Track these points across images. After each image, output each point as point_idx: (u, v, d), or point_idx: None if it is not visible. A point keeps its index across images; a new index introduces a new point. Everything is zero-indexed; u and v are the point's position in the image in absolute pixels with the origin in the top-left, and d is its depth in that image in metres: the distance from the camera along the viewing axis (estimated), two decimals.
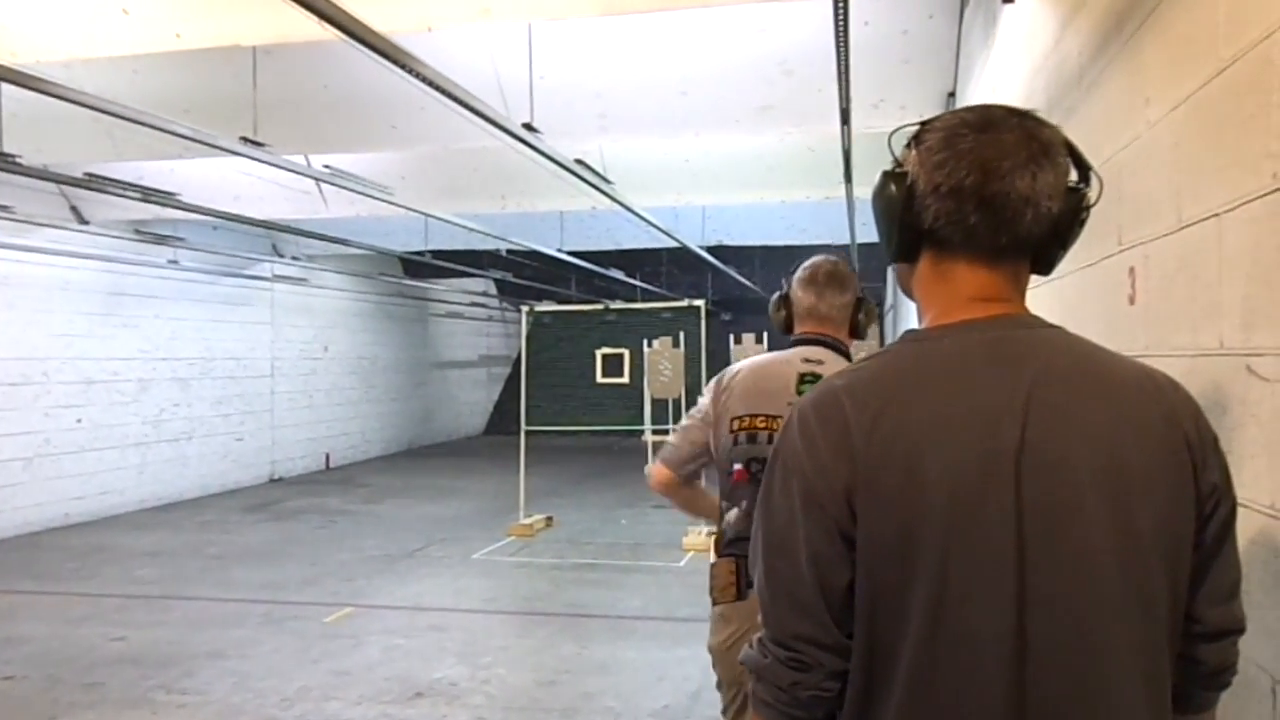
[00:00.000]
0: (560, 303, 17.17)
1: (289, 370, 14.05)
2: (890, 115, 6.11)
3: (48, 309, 9.81)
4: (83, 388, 10.22)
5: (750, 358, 2.51)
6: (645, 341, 13.09)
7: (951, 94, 5.82)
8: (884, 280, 17.53)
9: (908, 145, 1.17)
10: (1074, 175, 1.12)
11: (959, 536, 1.02)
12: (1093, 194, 1.14)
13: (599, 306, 11.26)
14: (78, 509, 10.01)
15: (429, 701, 4.75)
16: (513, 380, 11.27)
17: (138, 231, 10.30)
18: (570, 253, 11.94)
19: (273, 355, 13.64)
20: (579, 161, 6.42)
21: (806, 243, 12.47)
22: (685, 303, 10.20)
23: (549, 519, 9.75)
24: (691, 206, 10.54)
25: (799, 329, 2.50)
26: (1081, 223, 1.15)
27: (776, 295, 2.55)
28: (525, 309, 10.52)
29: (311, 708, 4.67)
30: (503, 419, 20.65)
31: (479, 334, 21.61)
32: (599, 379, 9.81)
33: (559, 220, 11.35)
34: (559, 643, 5.75)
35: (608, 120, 6.42)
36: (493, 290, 20.52)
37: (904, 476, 1.04)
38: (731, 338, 14.95)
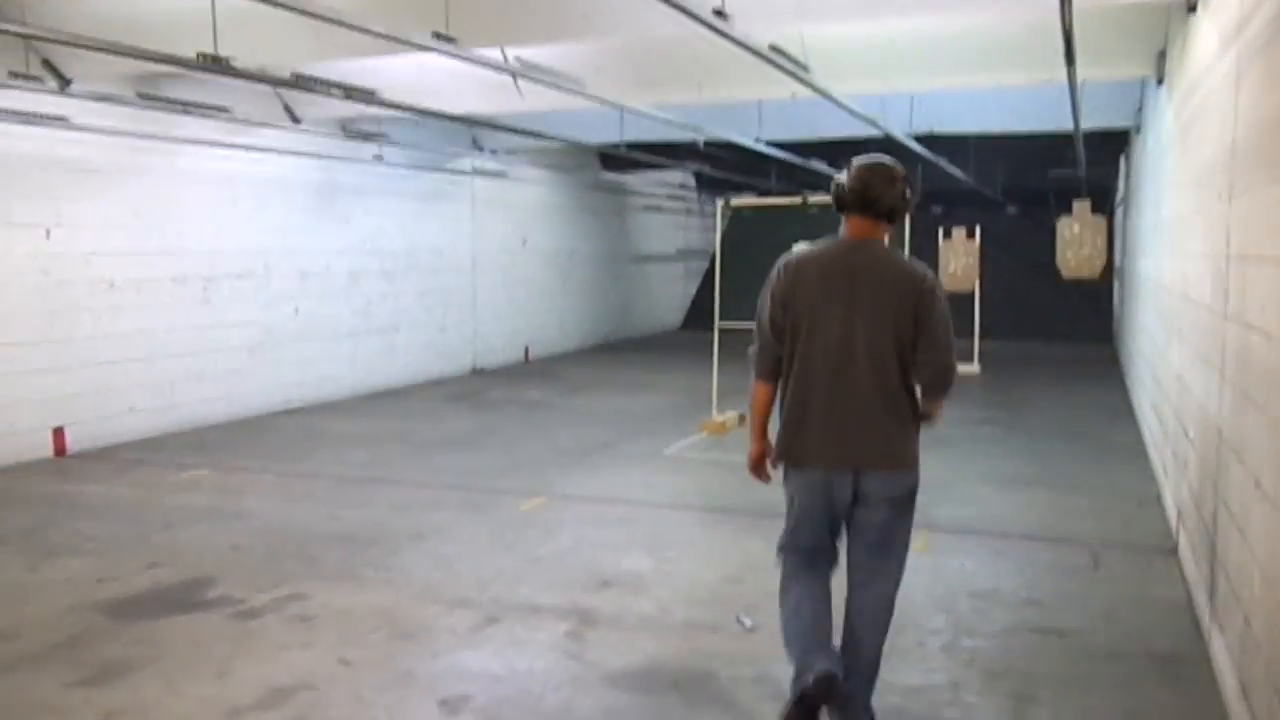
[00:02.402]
0: (760, 195, 16.92)
1: (489, 264, 14.56)
2: None
3: (266, 205, 10.51)
4: (298, 280, 10.95)
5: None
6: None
7: None
8: (1115, 168, 16.39)
9: (842, 171, 3.28)
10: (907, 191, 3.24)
11: (822, 308, 3.19)
12: (912, 199, 3.25)
13: (797, 200, 11.01)
14: (297, 395, 10.84)
15: (615, 591, 4.96)
16: (711, 275, 11.34)
17: (344, 129, 10.80)
18: (769, 143, 11.71)
19: (473, 249, 14.16)
20: (774, 48, 6.25)
21: (1026, 129, 11.75)
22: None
23: (741, 416, 9.78)
24: (899, 93, 10.10)
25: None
26: (906, 208, 3.27)
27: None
28: (720, 202, 10.41)
29: (504, 591, 4.96)
30: (700, 314, 20.78)
31: (677, 228, 21.68)
32: None
33: (757, 110, 11.12)
34: (745, 540, 5.85)
35: (806, 2, 6.19)
36: (691, 183, 20.45)
37: (803, 284, 3.21)
38: (941, 231, 14.46)
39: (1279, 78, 3.11)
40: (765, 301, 3.29)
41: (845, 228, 3.29)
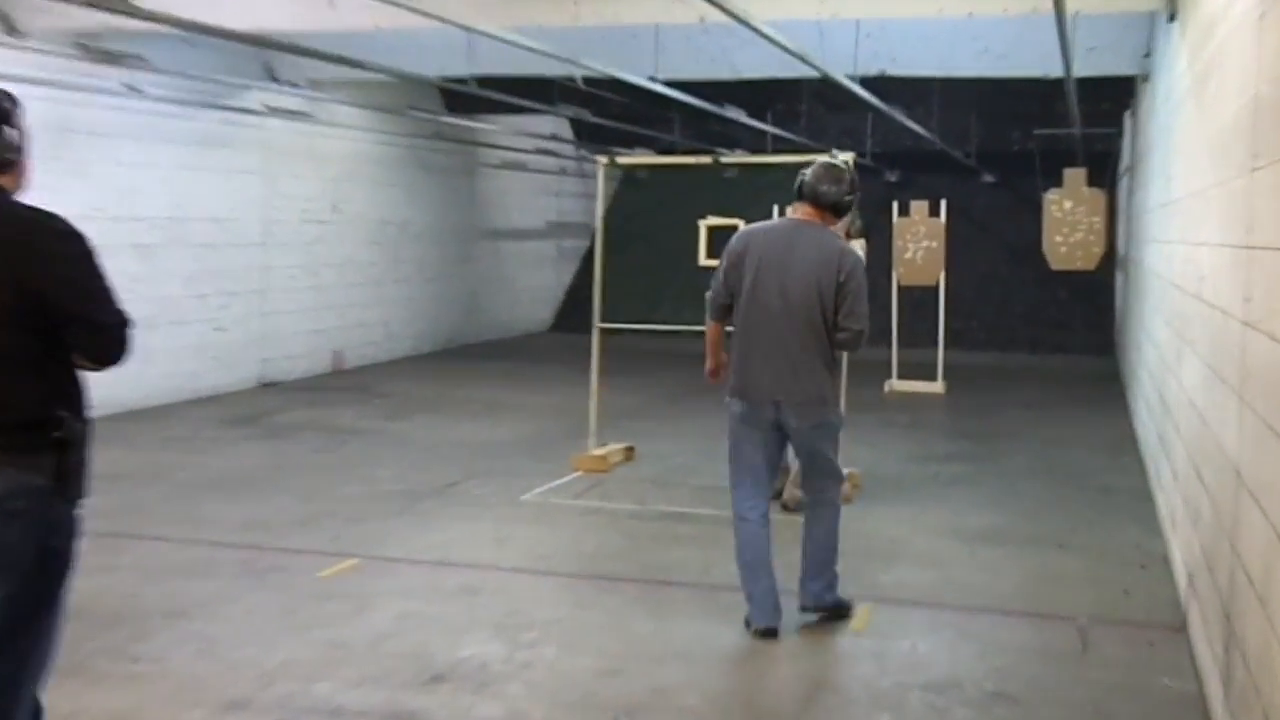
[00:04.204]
0: (660, 152, 16.98)
1: (288, 238, 14.38)
2: None
3: None
4: None
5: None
6: (775, 209, 12.63)
7: None
8: (1117, 126, 16.98)
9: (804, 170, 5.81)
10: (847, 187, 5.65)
11: (764, 272, 5.46)
12: (854, 198, 5.70)
13: (707, 160, 11.11)
14: None
15: (450, 687, 4.93)
16: (592, 259, 11.27)
17: (84, 48, 10.49)
18: (670, 83, 11.81)
19: (266, 217, 13.96)
20: None
21: (1005, 74, 12.16)
22: (829, 155, 9.86)
23: (629, 450, 9.89)
24: (842, 20, 10.28)
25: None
26: (846, 207, 5.66)
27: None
28: (604, 160, 10.39)
29: (296, 689, 4.88)
30: (577, 310, 20.73)
31: (547, 193, 21.80)
32: (703, 260, 9.67)
33: (654, 38, 11.20)
34: (630, 618, 5.89)
35: None
36: (567, 133, 20.47)
37: (752, 249, 5.55)
38: (896, 206, 14.71)
39: None
40: (724, 258, 5.58)
41: (797, 211, 5.60)
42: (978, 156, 18.82)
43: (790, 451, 5.96)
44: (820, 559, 5.71)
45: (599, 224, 10.40)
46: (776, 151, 14.99)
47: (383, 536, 7.35)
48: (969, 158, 18.43)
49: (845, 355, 6.07)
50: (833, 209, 5.54)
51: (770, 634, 5.50)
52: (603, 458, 9.49)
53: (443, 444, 10.55)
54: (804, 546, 5.74)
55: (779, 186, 10.58)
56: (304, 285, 14.74)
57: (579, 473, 9.27)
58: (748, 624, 5.58)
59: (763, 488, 5.66)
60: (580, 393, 10.25)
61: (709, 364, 5.97)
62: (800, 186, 5.56)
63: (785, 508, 7.58)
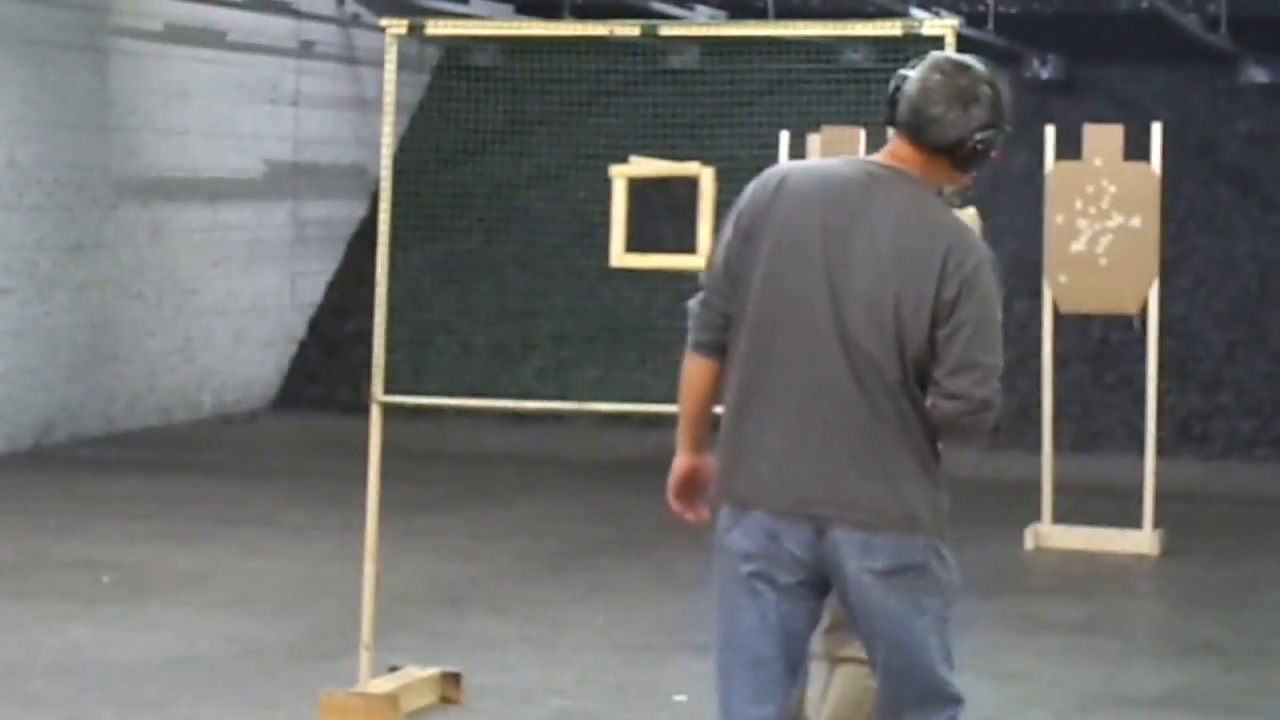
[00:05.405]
0: (523, 11, 17.55)
1: None
2: None
3: None
4: None
5: None
6: (806, 138, 12.14)
7: None
8: None
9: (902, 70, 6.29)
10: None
11: (799, 257, 5.65)
12: (996, 138, 5.55)
13: (629, 28, 10.88)
14: None
15: None
16: (371, 248, 10.82)
17: None
18: None
19: None
20: None
21: None
22: (906, 22, 9.78)
23: (449, 680, 9.80)
24: None
25: None
26: (981, 152, 5.56)
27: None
28: (396, 27, 9.82)
29: None
30: (334, 365, 21.78)
31: (272, 98, 22.34)
32: (618, 257, 9.33)
33: None
34: None
35: None
36: None
37: (782, 210, 5.91)
38: (1052, 134, 15.12)
39: None
40: (727, 227, 5.41)
41: (888, 148, 5.55)
42: (1232, 27, 19.19)
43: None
44: None
45: (386, 171, 9.98)
46: (785, 16, 14.98)
47: None
48: (1213, 30, 18.83)
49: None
50: (951, 153, 5.25)
51: None
52: (388, 700, 9.23)
53: (26, 669, 10.12)
54: None
55: (792, 90, 10.35)
56: None
57: None
58: None
59: (774, 689, 5.41)
60: (341, 548, 10.75)
61: (682, 459, 5.57)
62: (894, 101, 5.30)
63: None
